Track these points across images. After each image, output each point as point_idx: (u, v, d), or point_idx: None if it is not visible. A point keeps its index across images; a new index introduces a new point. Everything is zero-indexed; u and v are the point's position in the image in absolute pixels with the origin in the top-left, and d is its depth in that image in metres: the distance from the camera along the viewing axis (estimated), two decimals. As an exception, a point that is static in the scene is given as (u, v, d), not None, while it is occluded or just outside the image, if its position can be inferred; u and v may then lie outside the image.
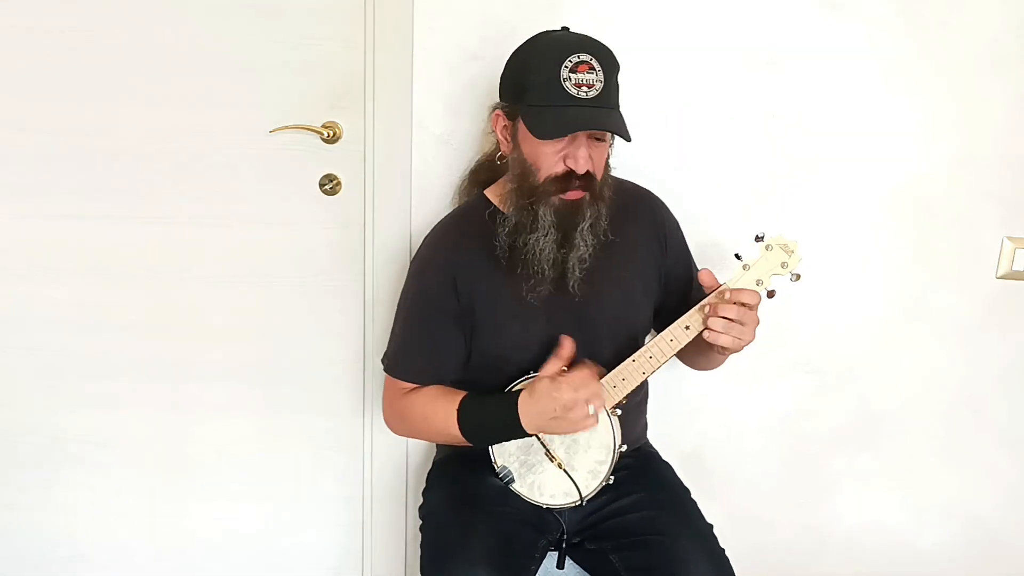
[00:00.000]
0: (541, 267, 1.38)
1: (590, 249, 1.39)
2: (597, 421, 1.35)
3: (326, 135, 1.69)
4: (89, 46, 1.66)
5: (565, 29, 1.40)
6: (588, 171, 1.35)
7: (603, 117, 1.33)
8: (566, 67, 1.31)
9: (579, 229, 1.38)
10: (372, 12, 1.64)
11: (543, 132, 1.33)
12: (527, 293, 1.40)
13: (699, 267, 1.60)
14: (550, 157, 1.35)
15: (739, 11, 1.66)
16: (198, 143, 1.71)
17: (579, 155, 1.34)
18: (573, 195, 1.36)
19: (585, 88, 1.32)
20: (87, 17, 1.65)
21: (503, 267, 1.42)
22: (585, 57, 1.32)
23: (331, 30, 1.67)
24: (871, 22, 1.67)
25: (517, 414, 1.37)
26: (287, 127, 1.69)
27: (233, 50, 1.67)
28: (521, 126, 1.36)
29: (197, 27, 1.66)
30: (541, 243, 1.37)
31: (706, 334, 1.36)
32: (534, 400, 1.36)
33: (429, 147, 1.70)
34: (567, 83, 1.31)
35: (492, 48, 1.62)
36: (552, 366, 1.37)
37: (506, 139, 1.41)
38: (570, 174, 1.36)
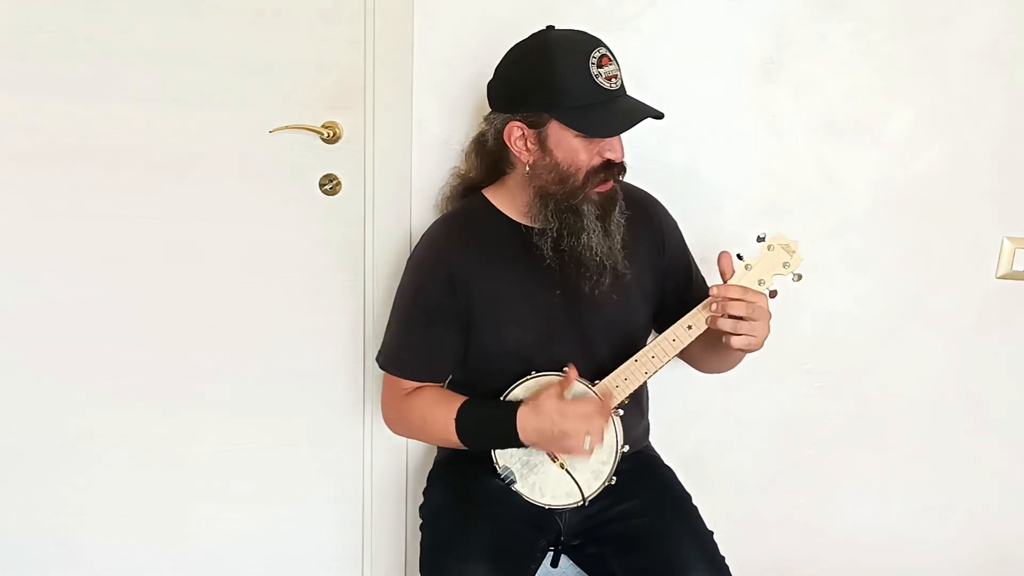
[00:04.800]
0: (596, 262, 1.39)
1: (622, 231, 1.41)
2: (590, 455, 1.37)
3: (326, 135, 1.69)
4: (89, 46, 1.66)
5: (551, 27, 1.40)
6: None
7: (642, 103, 1.36)
8: (593, 63, 1.32)
9: (613, 216, 1.40)
10: (372, 12, 1.64)
11: (603, 131, 1.33)
12: (590, 290, 1.40)
13: (700, 269, 1.60)
14: (587, 154, 1.36)
15: (739, 11, 1.66)
16: (198, 143, 1.71)
17: (616, 144, 1.37)
18: (607, 186, 1.39)
19: (613, 79, 1.34)
20: (87, 17, 1.64)
21: (517, 270, 1.43)
22: (604, 50, 1.34)
23: (331, 30, 1.66)
24: (871, 22, 1.67)
25: (515, 426, 1.37)
26: (287, 127, 1.68)
27: (233, 50, 1.67)
28: (554, 131, 1.35)
29: (197, 27, 1.66)
30: (592, 239, 1.38)
31: (733, 340, 1.36)
32: (536, 417, 1.36)
33: (429, 147, 1.70)
34: (599, 79, 1.32)
35: (492, 48, 1.62)
36: (558, 387, 1.37)
37: (527, 149, 1.38)
38: (607, 164, 1.37)
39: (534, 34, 1.39)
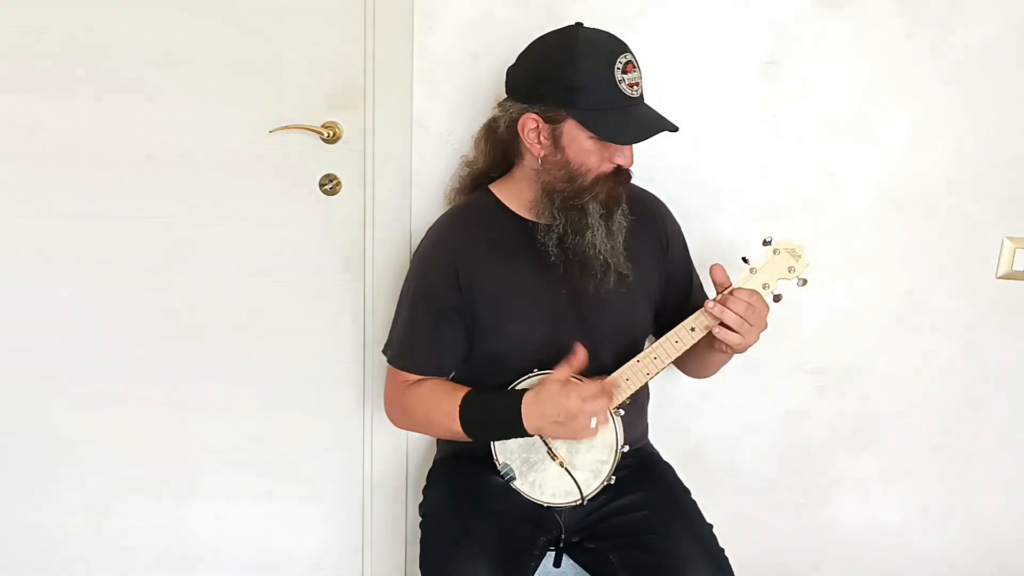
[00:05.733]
0: (600, 261, 1.39)
1: (624, 232, 1.41)
2: (595, 435, 1.36)
3: (326, 135, 1.69)
4: (89, 46, 1.66)
5: (579, 24, 1.40)
6: None
7: (659, 115, 1.36)
8: (618, 68, 1.32)
9: (616, 216, 1.40)
10: (372, 12, 1.64)
11: (618, 136, 1.33)
12: (595, 289, 1.40)
13: (699, 270, 1.61)
14: (598, 158, 1.36)
15: (739, 11, 1.66)
16: (198, 143, 1.71)
17: (628, 152, 1.37)
18: (618, 190, 1.39)
19: (636, 87, 1.35)
20: (86, 17, 1.65)
21: (523, 266, 1.44)
22: (630, 56, 1.34)
23: (331, 30, 1.66)
24: (871, 22, 1.67)
25: (520, 413, 1.37)
26: (287, 127, 1.69)
27: (233, 50, 1.67)
28: (569, 129, 1.35)
29: (197, 27, 1.66)
30: (596, 238, 1.38)
31: (716, 330, 1.37)
32: (539, 401, 1.36)
33: (429, 147, 1.70)
34: (622, 84, 1.32)
35: (492, 48, 1.62)
36: (563, 371, 1.37)
37: (539, 142, 1.38)
38: (618, 171, 1.38)
39: (563, 29, 1.39)
